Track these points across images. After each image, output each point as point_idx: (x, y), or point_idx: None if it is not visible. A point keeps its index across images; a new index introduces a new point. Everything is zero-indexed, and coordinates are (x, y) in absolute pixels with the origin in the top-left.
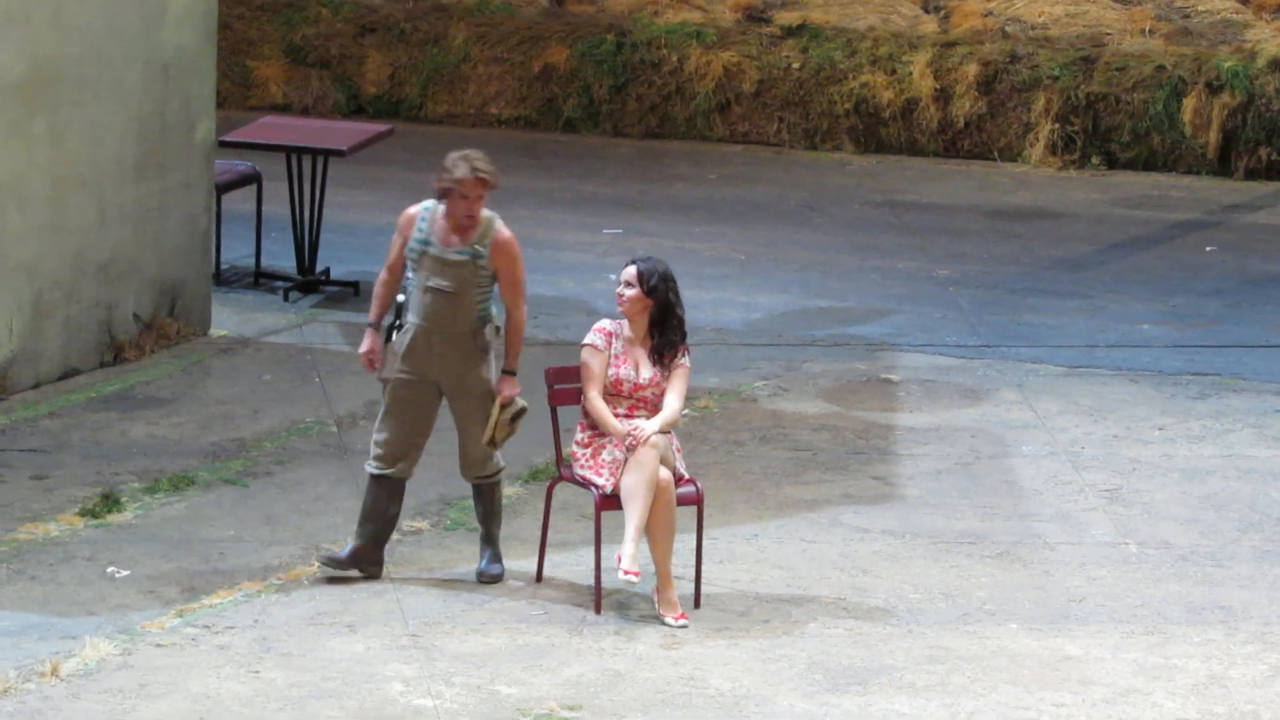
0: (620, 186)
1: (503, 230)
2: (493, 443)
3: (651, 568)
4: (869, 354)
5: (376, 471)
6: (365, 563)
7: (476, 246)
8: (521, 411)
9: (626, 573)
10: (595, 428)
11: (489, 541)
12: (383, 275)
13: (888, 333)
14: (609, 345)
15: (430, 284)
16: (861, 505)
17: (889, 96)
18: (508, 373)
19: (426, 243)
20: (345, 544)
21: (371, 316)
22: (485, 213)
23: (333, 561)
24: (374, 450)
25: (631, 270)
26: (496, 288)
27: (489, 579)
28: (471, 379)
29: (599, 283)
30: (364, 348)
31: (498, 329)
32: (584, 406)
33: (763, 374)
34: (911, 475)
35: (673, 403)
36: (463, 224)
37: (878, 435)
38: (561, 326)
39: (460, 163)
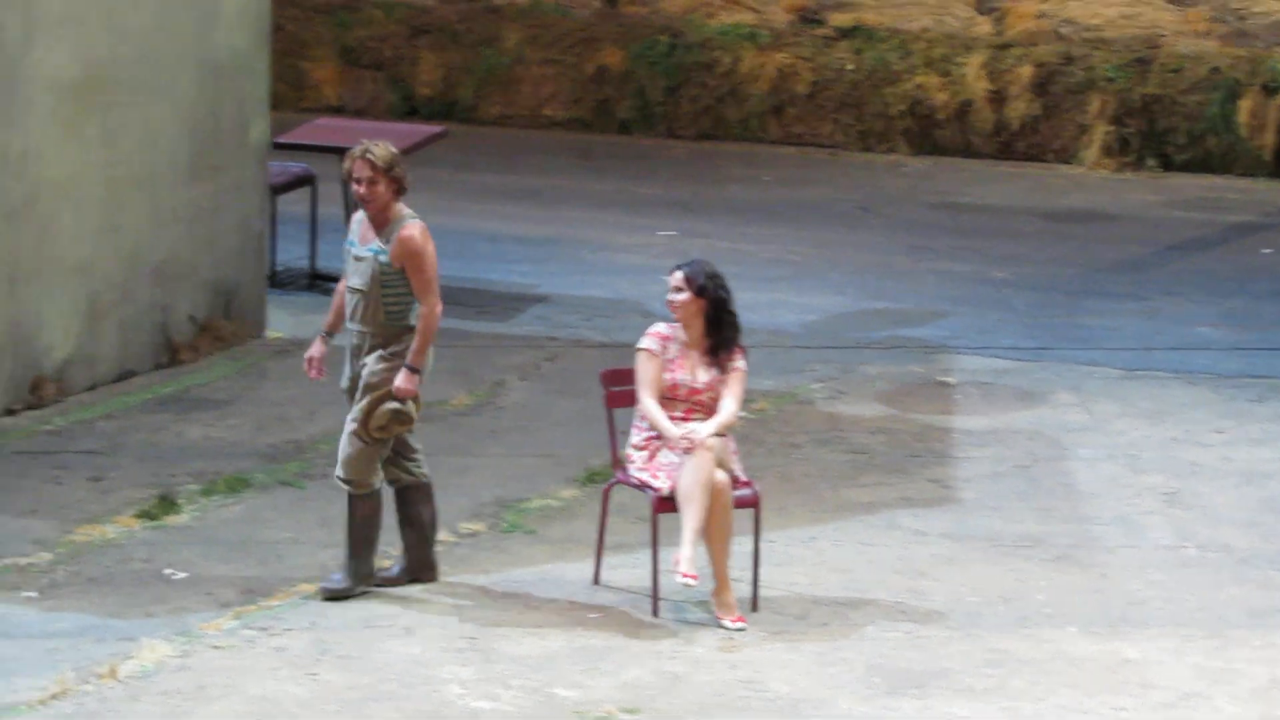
0: (674, 188)
1: (408, 228)
2: (363, 429)
3: (709, 570)
4: (925, 356)
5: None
6: (416, 571)
7: (379, 243)
8: (403, 415)
9: (684, 576)
10: (651, 430)
11: (350, 554)
12: (340, 284)
13: (944, 335)
14: (664, 349)
15: (349, 283)
16: (919, 508)
17: (943, 98)
18: (408, 368)
19: (351, 242)
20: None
21: (324, 324)
22: (403, 210)
23: (386, 580)
24: None
25: (678, 275)
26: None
27: (329, 593)
28: (367, 377)
29: (653, 285)
30: (308, 353)
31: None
32: (639, 410)
33: (819, 376)
34: (969, 478)
35: (729, 406)
36: (368, 213)
37: (935, 438)
38: (616, 329)
39: (355, 148)
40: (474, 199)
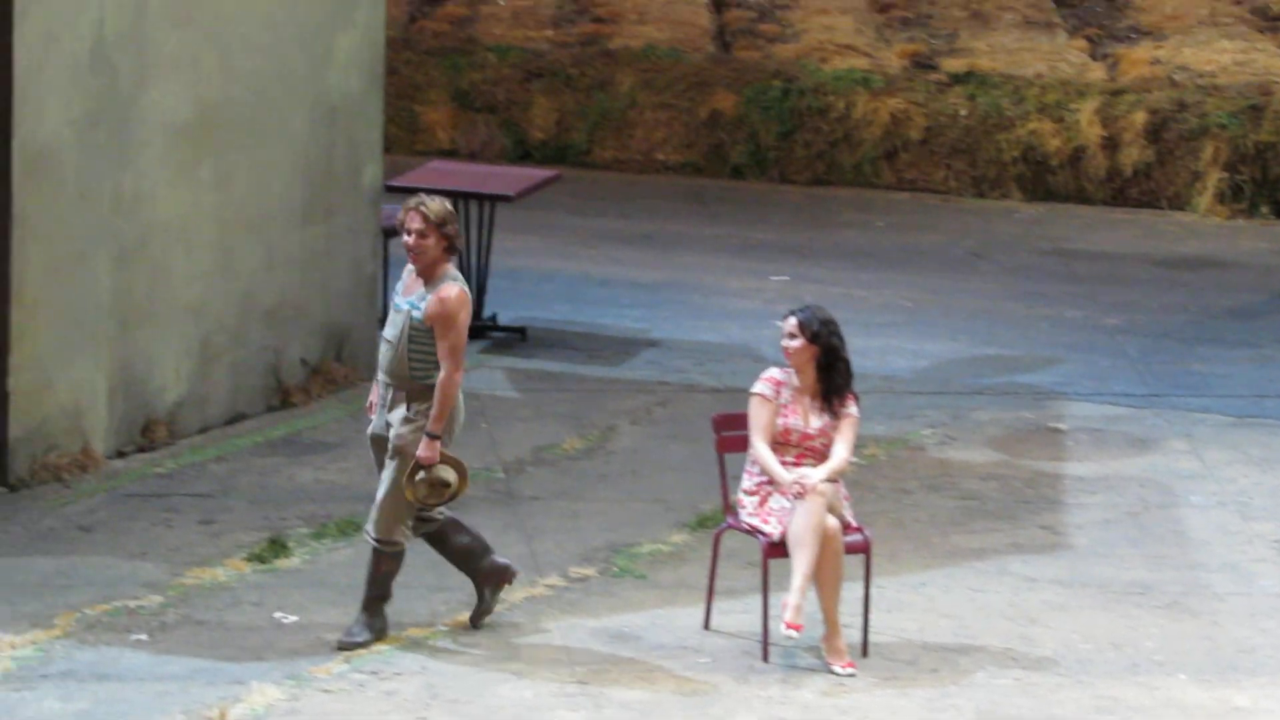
0: (787, 233)
1: (447, 289)
2: (405, 496)
3: (818, 616)
4: (1037, 402)
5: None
6: (492, 582)
7: (417, 299)
8: (444, 484)
9: (788, 626)
10: (762, 475)
11: (365, 608)
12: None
13: (1056, 381)
14: (777, 394)
15: (384, 333)
16: (1029, 554)
17: (1056, 144)
18: (428, 435)
19: (396, 292)
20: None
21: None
22: (450, 270)
23: (480, 614)
24: None
25: (792, 321)
26: None
27: (345, 645)
28: (394, 440)
29: (765, 329)
30: (370, 398)
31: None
32: (750, 455)
33: (930, 422)
34: (1080, 524)
35: (840, 451)
36: (416, 266)
37: (1046, 484)
38: (728, 373)
39: (411, 199)
40: (586, 243)
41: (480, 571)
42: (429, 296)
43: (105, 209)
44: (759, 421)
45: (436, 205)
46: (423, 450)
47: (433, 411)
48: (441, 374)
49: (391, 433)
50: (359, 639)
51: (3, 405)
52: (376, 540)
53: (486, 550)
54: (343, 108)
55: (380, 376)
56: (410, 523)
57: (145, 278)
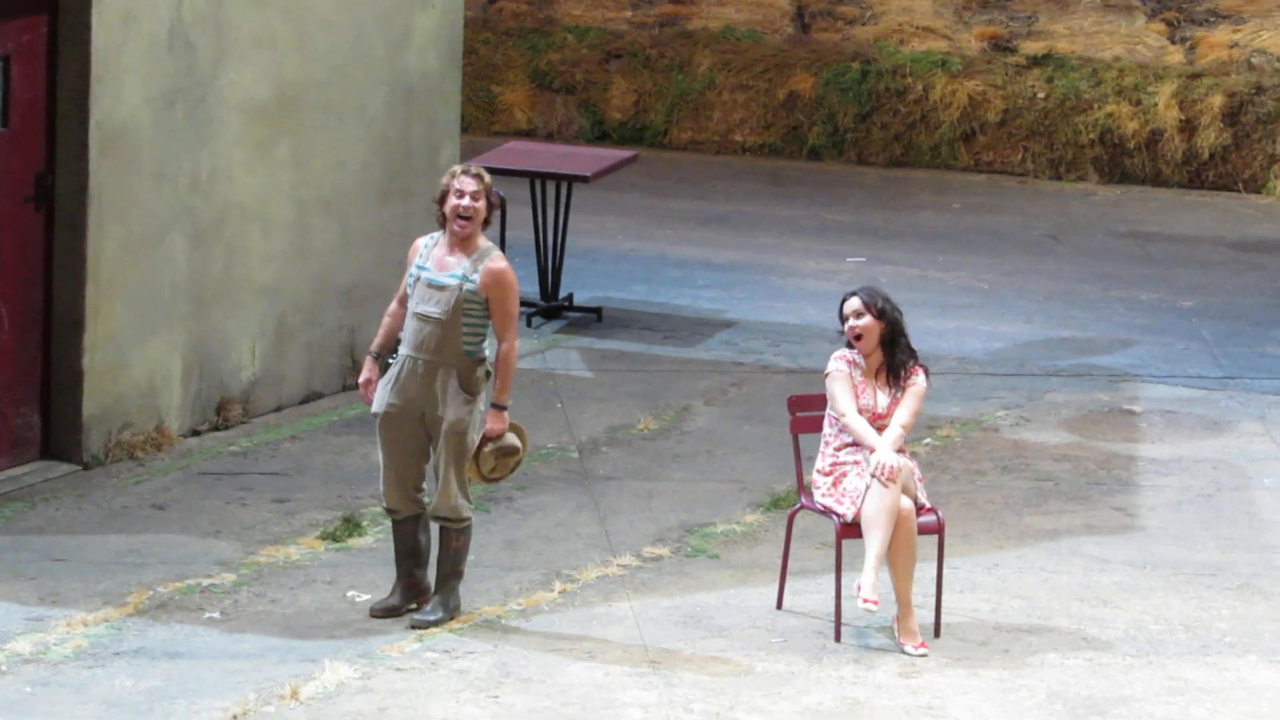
0: (864, 215)
1: (497, 260)
2: (485, 478)
3: (891, 596)
4: (1111, 384)
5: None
6: (414, 596)
7: (466, 272)
8: (513, 450)
9: (865, 601)
10: (836, 455)
11: (438, 587)
12: (392, 306)
13: (1130, 363)
14: (851, 372)
15: (419, 310)
16: (1102, 536)
17: (1134, 127)
18: (496, 407)
19: (423, 268)
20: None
21: (373, 346)
22: (484, 242)
23: (386, 610)
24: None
25: (855, 302)
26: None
27: (419, 624)
28: (451, 417)
29: None
30: (361, 377)
31: (489, 373)
32: (842, 425)
33: (1005, 403)
34: (1152, 506)
35: (900, 416)
36: (457, 231)
37: (1119, 466)
38: (804, 354)
39: (457, 166)
40: (663, 224)
41: (405, 579)
42: (480, 268)
43: (182, 188)
44: (844, 393)
45: (488, 175)
46: (493, 423)
47: (498, 384)
48: (504, 345)
49: (447, 413)
50: (432, 618)
51: (78, 383)
52: (445, 520)
53: (421, 565)
54: (420, 88)
55: (414, 354)
56: (469, 496)
57: (221, 257)
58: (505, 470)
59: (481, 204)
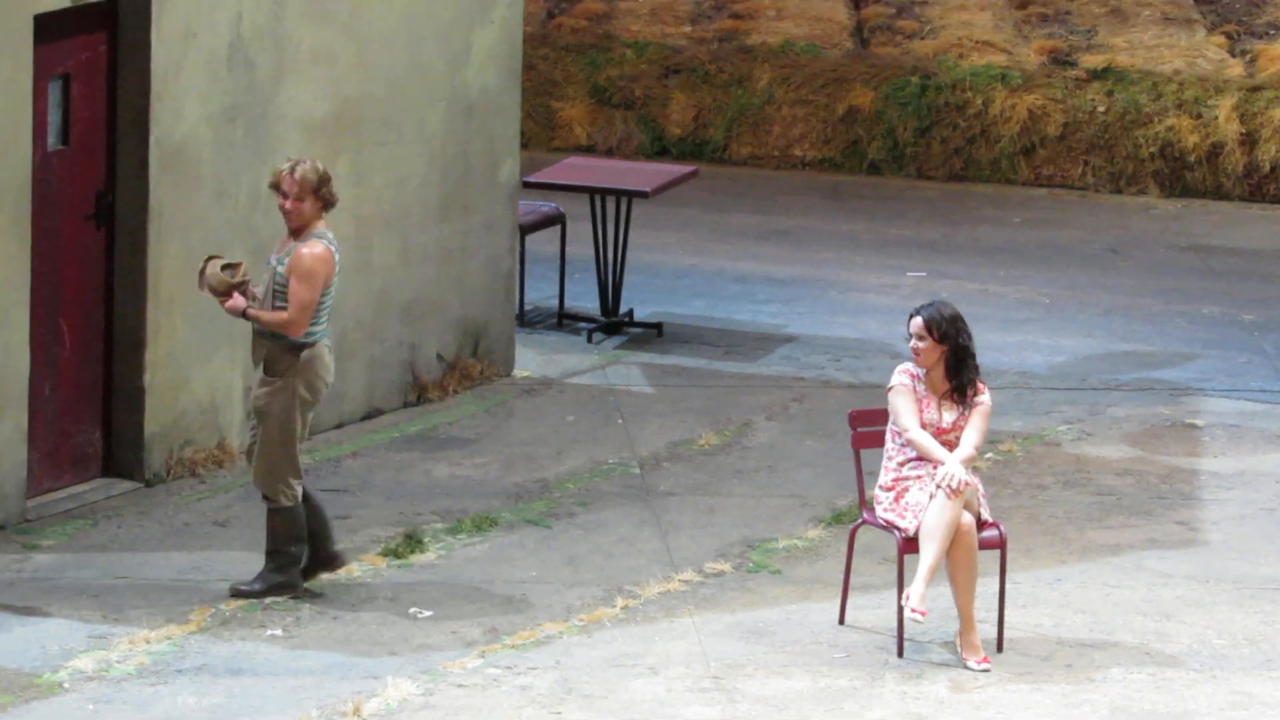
0: (924, 229)
1: (309, 246)
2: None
3: (941, 609)
4: (1173, 399)
5: None
6: (320, 566)
7: (281, 257)
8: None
9: (914, 611)
10: (899, 470)
11: (266, 557)
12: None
13: (1192, 377)
14: (914, 386)
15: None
16: (1165, 550)
17: (1194, 140)
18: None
19: (274, 253)
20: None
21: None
22: (319, 229)
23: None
24: None
25: (918, 323)
26: (322, 310)
27: (235, 591)
28: (254, 397)
29: (901, 325)
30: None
31: (300, 356)
32: (905, 441)
33: (1066, 418)
34: (1215, 520)
35: (971, 437)
36: (291, 223)
37: (1181, 480)
38: (865, 369)
39: (284, 164)
40: (723, 239)
41: (320, 551)
42: (292, 251)
43: (242, 205)
44: (907, 408)
45: (309, 171)
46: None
47: (264, 316)
48: (283, 314)
49: (259, 389)
50: (245, 587)
51: (139, 401)
52: (262, 496)
53: (329, 537)
54: (480, 104)
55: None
56: (294, 481)
57: None
58: (229, 279)
59: (303, 205)
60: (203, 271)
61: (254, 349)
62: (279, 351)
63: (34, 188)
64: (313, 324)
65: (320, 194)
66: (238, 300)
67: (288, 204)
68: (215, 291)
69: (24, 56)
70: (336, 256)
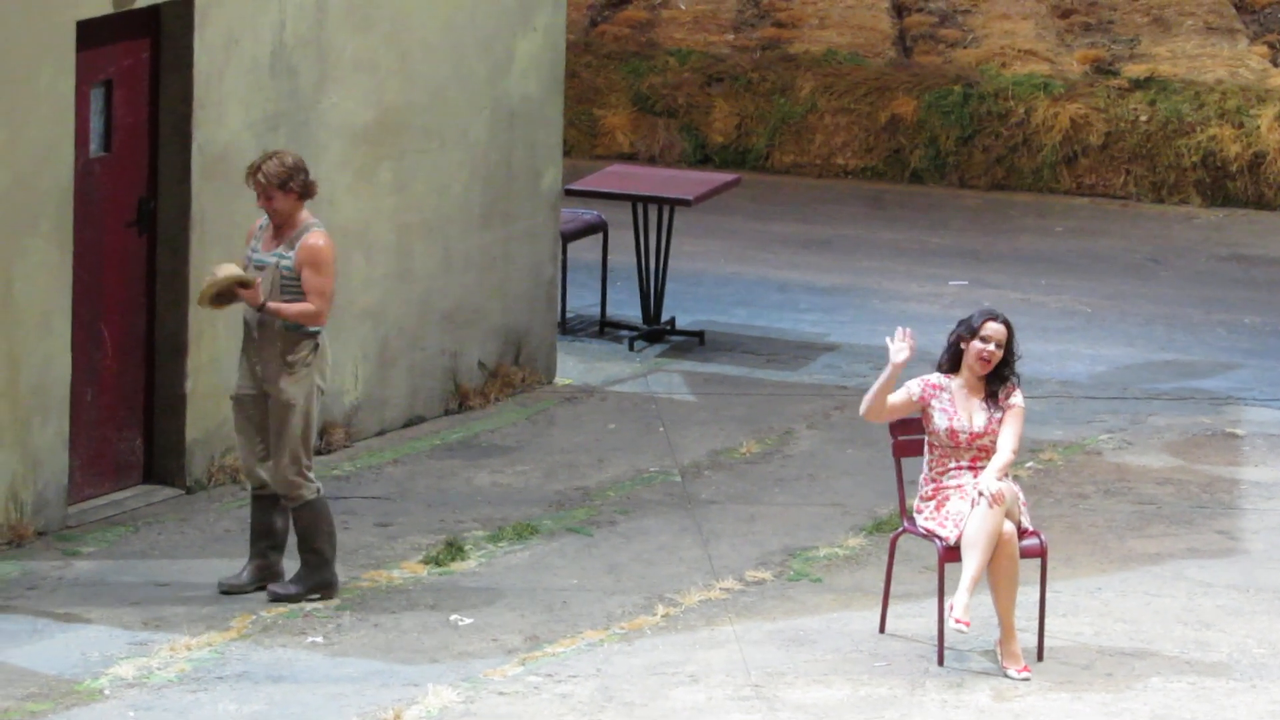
0: (966, 238)
1: (314, 236)
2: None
3: (985, 619)
4: (1214, 408)
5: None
6: (262, 578)
7: (283, 249)
8: (226, 287)
9: (958, 621)
10: (940, 479)
11: (301, 563)
12: None
13: (1233, 387)
14: (927, 395)
15: None
16: (1205, 559)
17: (1236, 150)
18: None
19: (254, 249)
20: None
21: None
22: (306, 219)
23: (232, 588)
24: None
25: (1001, 329)
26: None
27: (274, 596)
28: (274, 390)
29: (943, 334)
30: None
31: (317, 345)
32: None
33: (1108, 427)
34: (1256, 530)
35: (1007, 443)
36: (272, 220)
37: (1222, 489)
38: (906, 378)
39: (257, 158)
40: (765, 247)
41: (260, 559)
42: (297, 244)
43: None
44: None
45: (272, 166)
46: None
47: (287, 309)
48: (311, 307)
49: (273, 388)
50: (282, 591)
51: (180, 408)
52: (282, 496)
53: (278, 548)
54: (522, 112)
55: (245, 333)
56: (309, 470)
57: None
58: (224, 281)
59: (274, 202)
60: (215, 293)
61: (260, 348)
62: (296, 343)
63: (76, 194)
64: None
65: (289, 187)
66: (258, 291)
67: (260, 202)
68: (220, 297)
69: (66, 63)
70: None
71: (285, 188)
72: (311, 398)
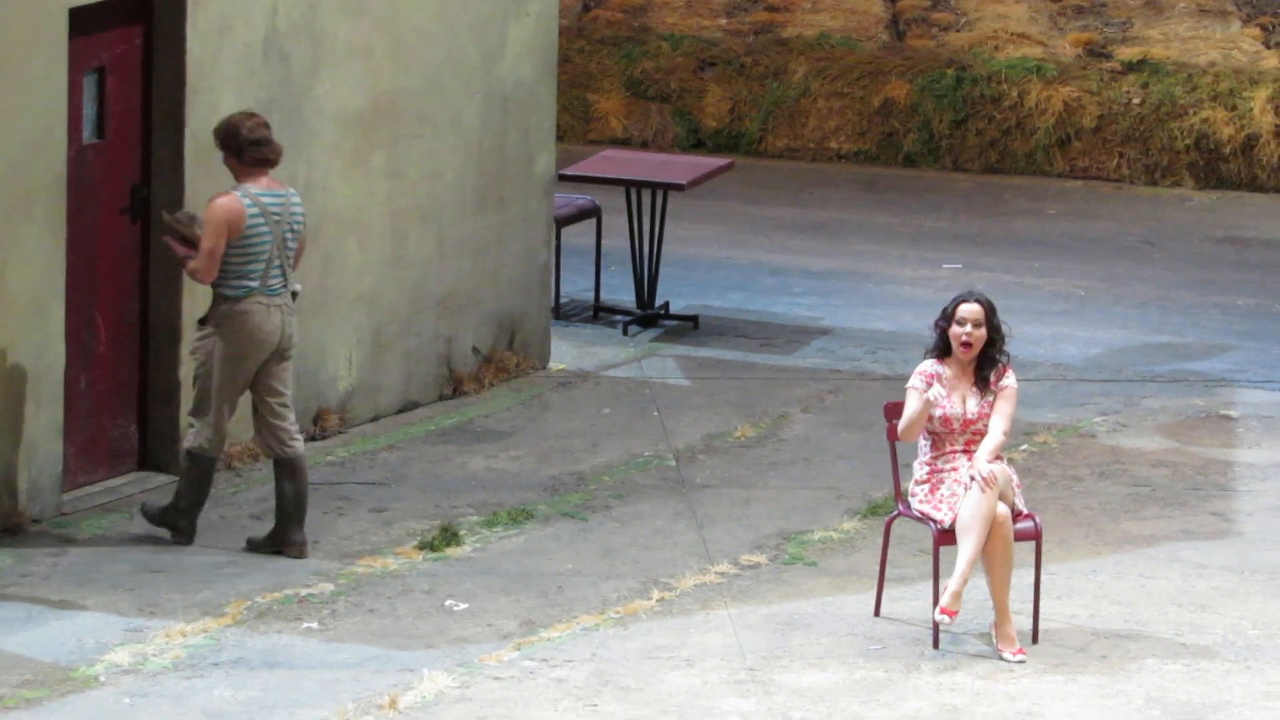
0: (959, 222)
1: (217, 196)
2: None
3: (986, 606)
4: (1208, 390)
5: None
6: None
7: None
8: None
9: (943, 611)
10: (934, 462)
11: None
12: None
13: (1227, 369)
14: (927, 388)
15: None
16: (1200, 541)
17: (1229, 132)
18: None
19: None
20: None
21: None
22: (239, 184)
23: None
24: None
25: (978, 310)
26: (246, 264)
27: (141, 507)
28: (194, 334)
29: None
30: None
31: (234, 314)
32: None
33: (1101, 409)
34: (1250, 511)
35: (998, 424)
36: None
37: (1216, 471)
38: (901, 361)
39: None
40: (759, 232)
41: (278, 530)
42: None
43: None
44: (908, 406)
45: (215, 128)
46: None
47: (178, 249)
48: (191, 258)
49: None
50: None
51: (174, 394)
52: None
53: (288, 517)
54: (515, 97)
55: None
56: (211, 434)
57: (317, 267)
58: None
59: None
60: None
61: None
62: (212, 302)
63: (69, 181)
64: (237, 278)
65: (227, 147)
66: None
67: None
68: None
69: (59, 50)
70: (248, 211)
71: (224, 148)
72: (212, 361)
